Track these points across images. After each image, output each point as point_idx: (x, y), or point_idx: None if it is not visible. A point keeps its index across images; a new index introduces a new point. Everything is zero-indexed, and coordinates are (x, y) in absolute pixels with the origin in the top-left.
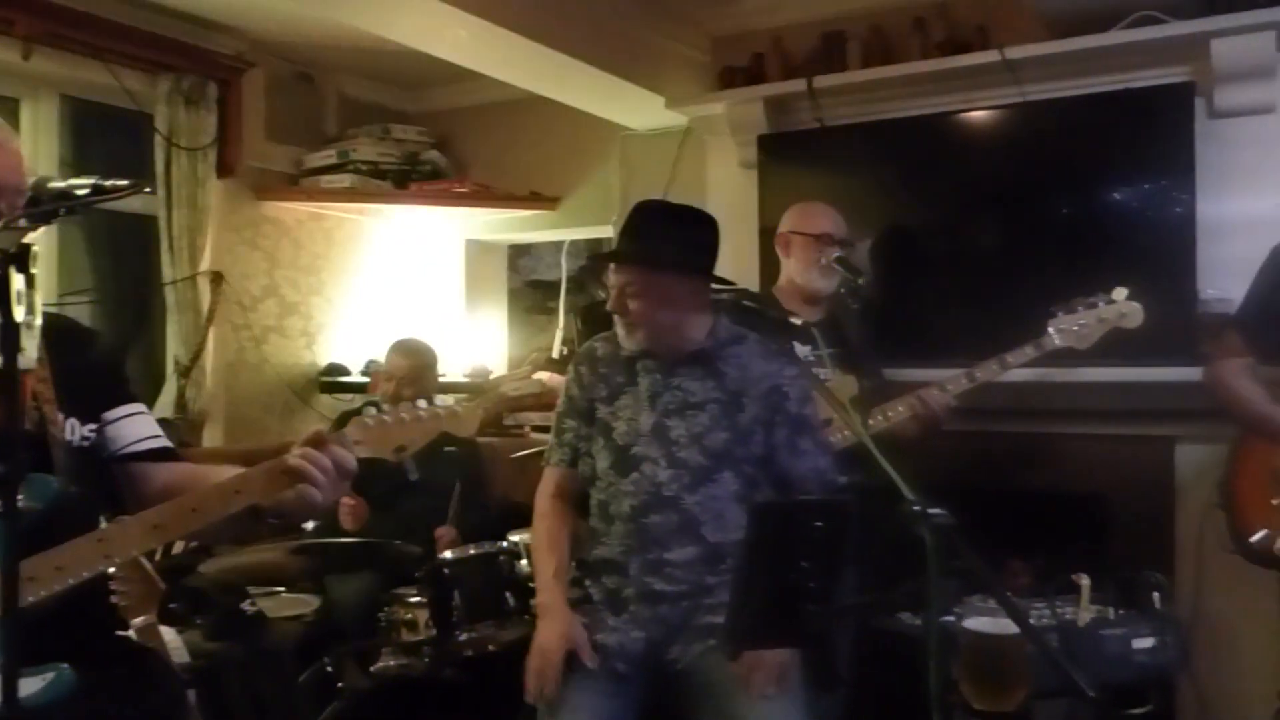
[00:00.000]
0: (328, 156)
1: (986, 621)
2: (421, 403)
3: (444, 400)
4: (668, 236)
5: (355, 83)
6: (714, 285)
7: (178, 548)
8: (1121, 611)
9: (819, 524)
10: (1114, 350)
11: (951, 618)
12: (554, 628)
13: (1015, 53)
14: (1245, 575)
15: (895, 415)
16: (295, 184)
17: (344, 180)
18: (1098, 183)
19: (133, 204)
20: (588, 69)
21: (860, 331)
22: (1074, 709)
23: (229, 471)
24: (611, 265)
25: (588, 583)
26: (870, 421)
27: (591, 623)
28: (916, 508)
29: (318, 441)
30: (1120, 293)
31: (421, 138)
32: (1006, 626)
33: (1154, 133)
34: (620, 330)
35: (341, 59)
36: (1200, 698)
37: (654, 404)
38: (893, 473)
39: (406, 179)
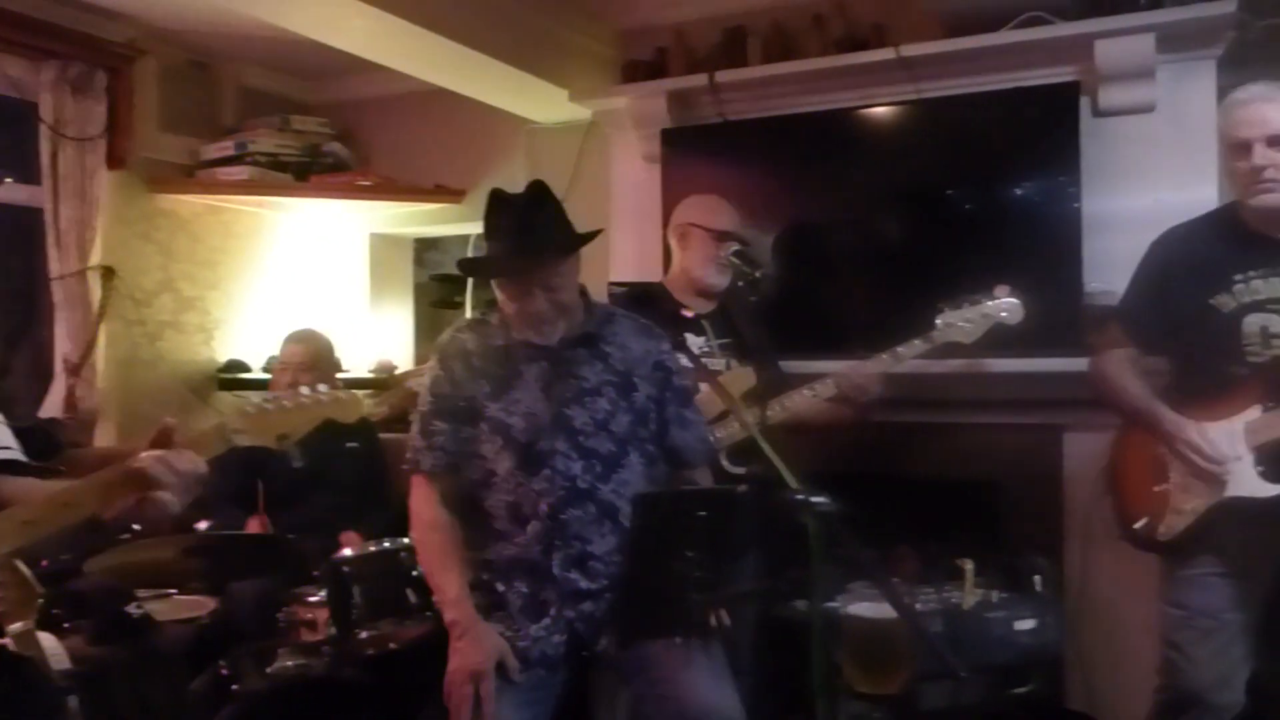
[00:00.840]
0: (225, 148)
1: (869, 607)
2: (304, 389)
3: (325, 387)
4: (549, 222)
5: (254, 72)
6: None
7: None
8: (1004, 595)
9: (703, 513)
10: (1004, 341)
11: (836, 604)
12: (477, 646)
13: (910, 50)
14: (1131, 560)
15: (795, 407)
16: (191, 176)
17: (242, 172)
18: (989, 179)
19: (16, 196)
20: (490, 61)
21: (756, 324)
22: (959, 690)
23: None
24: (509, 275)
25: (500, 586)
26: (769, 412)
27: (507, 630)
28: (800, 496)
29: (166, 440)
30: (1003, 290)
31: (323, 129)
32: (888, 611)
33: (1042, 131)
34: (530, 332)
35: (239, 47)
36: (1087, 679)
37: (549, 394)
38: (778, 462)
39: (308, 171)
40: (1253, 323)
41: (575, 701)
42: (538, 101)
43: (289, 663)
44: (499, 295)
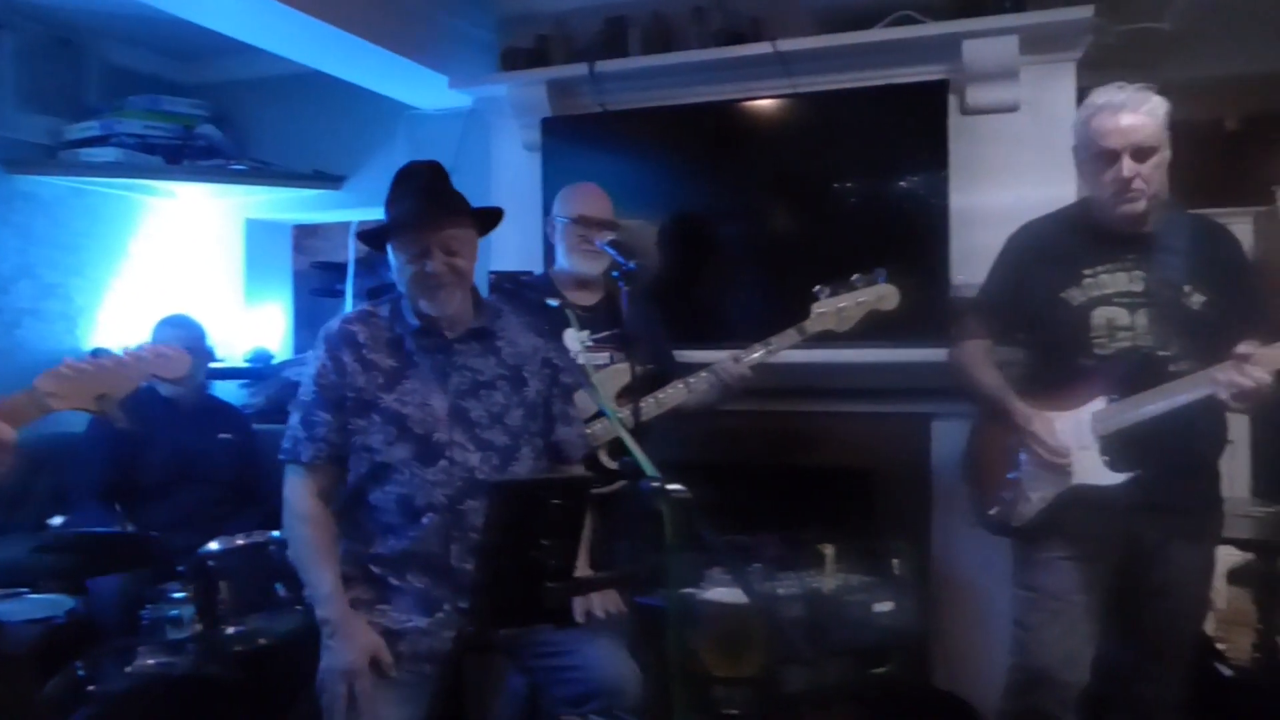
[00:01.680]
0: (89, 128)
1: (725, 592)
2: (121, 349)
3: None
4: (453, 190)
5: (122, 50)
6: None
7: None
8: (864, 579)
9: (558, 502)
10: (875, 332)
11: (692, 590)
12: (351, 644)
13: (786, 46)
14: (992, 545)
15: (670, 402)
16: (53, 157)
17: (108, 154)
18: (862, 173)
19: None
20: (367, 45)
21: (637, 315)
22: (819, 671)
23: None
24: (411, 232)
25: (392, 581)
26: (643, 405)
27: (390, 625)
28: (655, 484)
29: None
30: (879, 275)
31: (196, 111)
32: (743, 597)
33: (912, 127)
34: (429, 302)
35: (105, 24)
36: (949, 660)
37: (444, 385)
38: (637, 452)
39: (179, 154)
40: (1100, 316)
41: (454, 691)
42: (418, 87)
43: (150, 661)
44: (397, 260)
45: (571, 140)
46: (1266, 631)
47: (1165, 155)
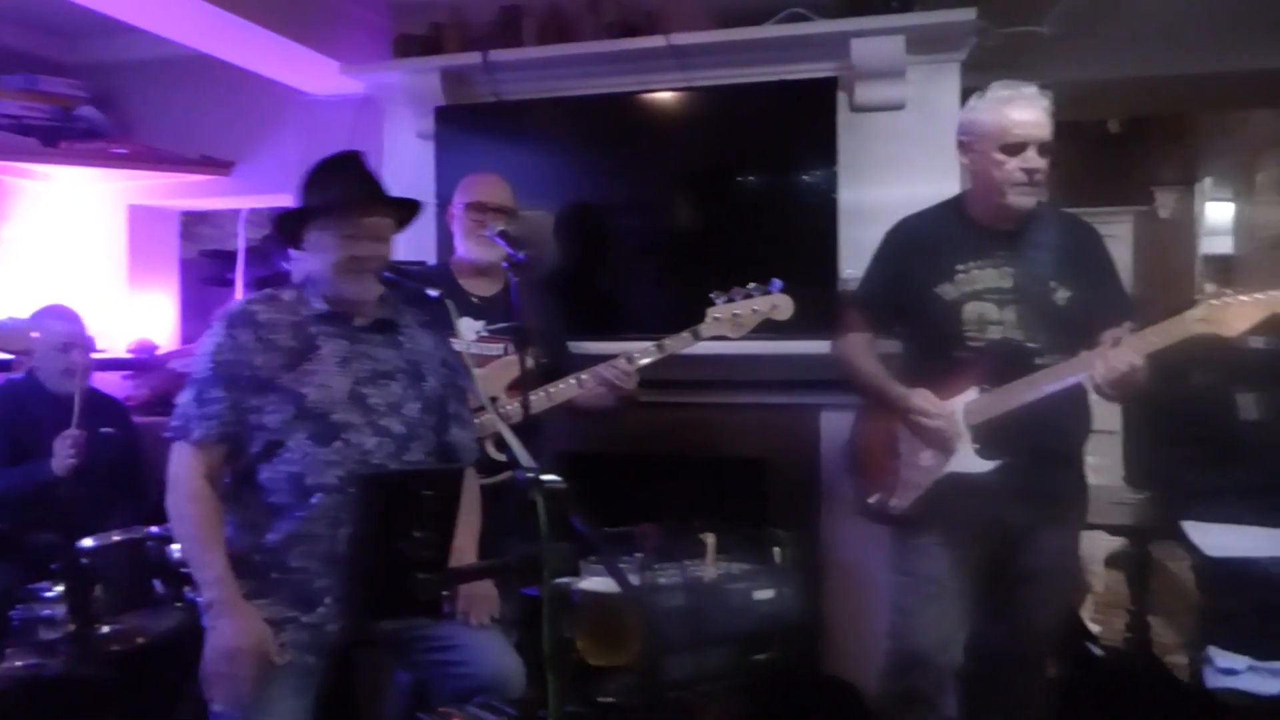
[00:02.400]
0: None
1: (600, 582)
2: None
3: None
4: (376, 176)
5: None
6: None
7: None
8: (746, 567)
9: (429, 493)
10: (766, 325)
11: (567, 580)
12: (238, 626)
13: (680, 39)
14: (878, 532)
15: (560, 397)
16: None
17: None
18: (755, 167)
19: None
20: (254, 28)
21: (530, 307)
22: (702, 658)
23: None
24: (346, 214)
25: (275, 569)
26: (533, 398)
27: (272, 616)
28: (529, 475)
29: None
30: (776, 285)
31: (76, 92)
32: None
33: (803, 123)
34: (351, 286)
35: None
36: (838, 645)
37: (345, 370)
38: (514, 443)
39: (57, 137)
40: (972, 310)
41: (342, 686)
42: (308, 72)
43: (19, 663)
44: (321, 241)
45: (465, 129)
46: (1138, 613)
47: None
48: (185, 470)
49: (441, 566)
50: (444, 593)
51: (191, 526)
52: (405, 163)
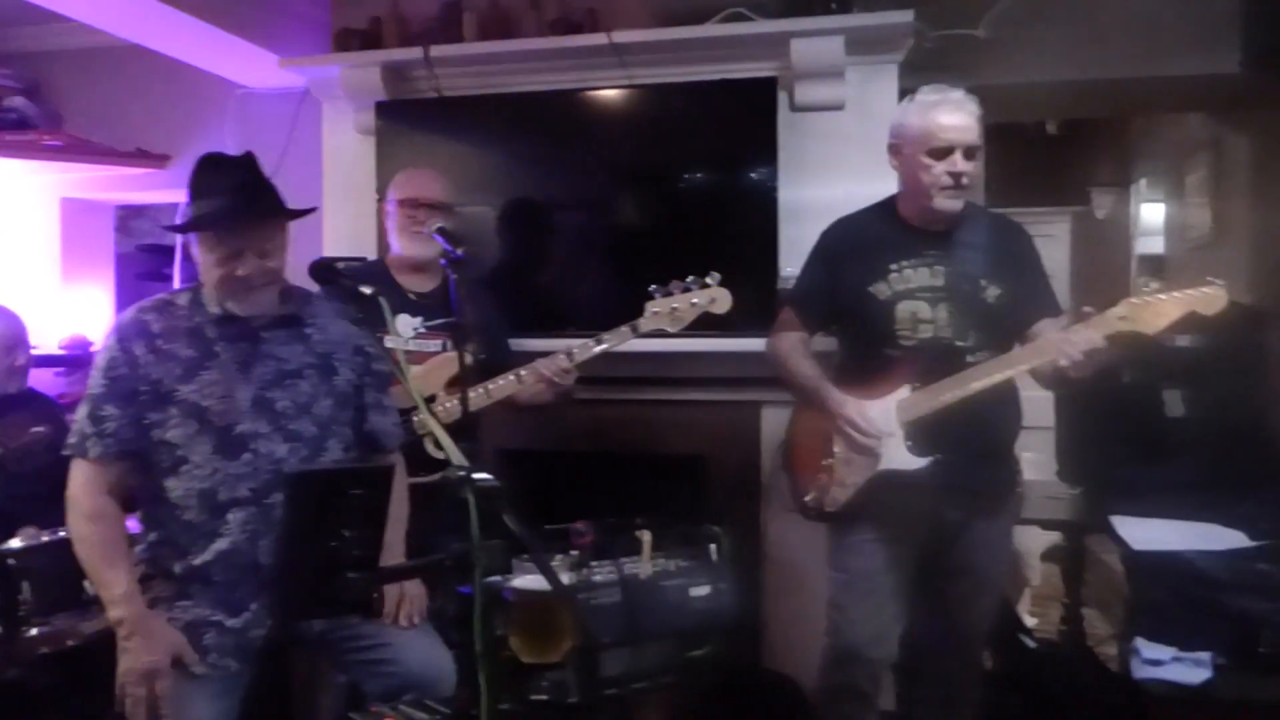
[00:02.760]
0: None
1: (533, 579)
2: None
3: None
4: (268, 187)
5: None
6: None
7: None
8: (682, 564)
9: (358, 491)
10: (708, 322)
11: (499, 578)
12: (149, 644)
13: (621, 37)
14: (818, 528)
15: (500, 393)
16: None
17: None
18: (696, 166)
19: None
20: (190, 20)
21: (469, 304)
22: (638, 655)
23: None
24: (222, 234)
25: (195, 581)
26: (472, 395)
27: (193, 620)
28: (461, 473)
29: None
30: (714, 278)
31: (7, 82)
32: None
33: (744, 122)
34: (239, 304)
35: None
36: (779, 640)
37: (248, 375)
38: (446, 441)
39: None
40: (905, 309)
41: (275, 688)
42: (246, 65)
43: None
44: (205, 259)
45: (406, 125)
46: (1072, 605)
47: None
48: (83, 489)
49: (373, 565)
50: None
51: (92, 546)
52: (345, 158)
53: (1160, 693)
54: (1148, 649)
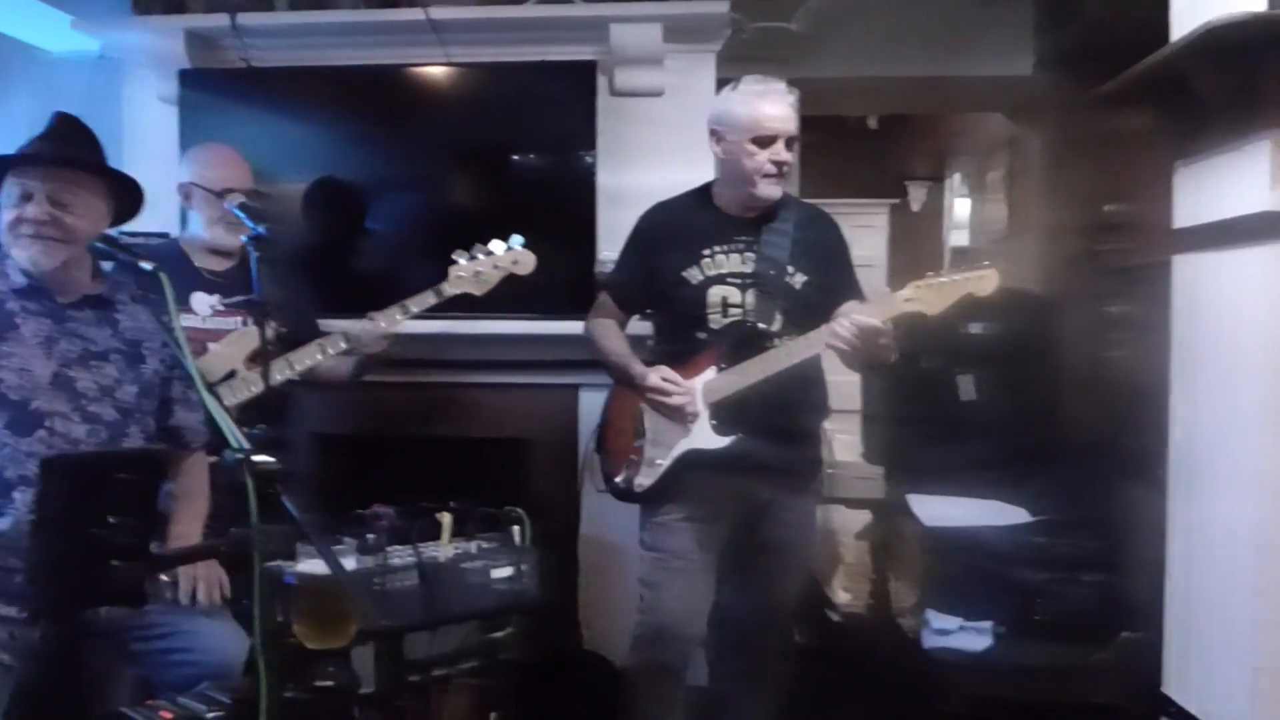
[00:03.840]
0: None
1: (318, 564)
2: None
3: None
4: (87, 140)
5: None
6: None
7: None
8: (484, 546)
9: (125, 476)
10: (524, 305)
11: (282, 563)
12: None
13: (439, 14)
14: (631, 509)
15: (302, 363)
16: None
17: None
18: (515, 148)
19: None
20: None
21: (271, 280)
22: (437, 639)
23: None
24: (16, 173)
25: None
26: (281, 374)
27: None
28: (240, 454)
29: None
30: (516, 240)
31: None
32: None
33: (564, 104)
34: (21, 252)
35: None
36: (594, 621)
37: (49, 351)
38: (226, 421)
39: None
40: (715, 294)
41: (61, 682)
42: (38, 26)
43: None
44: (5, 209)
45: (212, 95)
46: (879, 580)
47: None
48: None
49: (142, 552)
50: (151, 579)
51: None
52: (146, 127)
53: (947, 660)
54: (937, 619)
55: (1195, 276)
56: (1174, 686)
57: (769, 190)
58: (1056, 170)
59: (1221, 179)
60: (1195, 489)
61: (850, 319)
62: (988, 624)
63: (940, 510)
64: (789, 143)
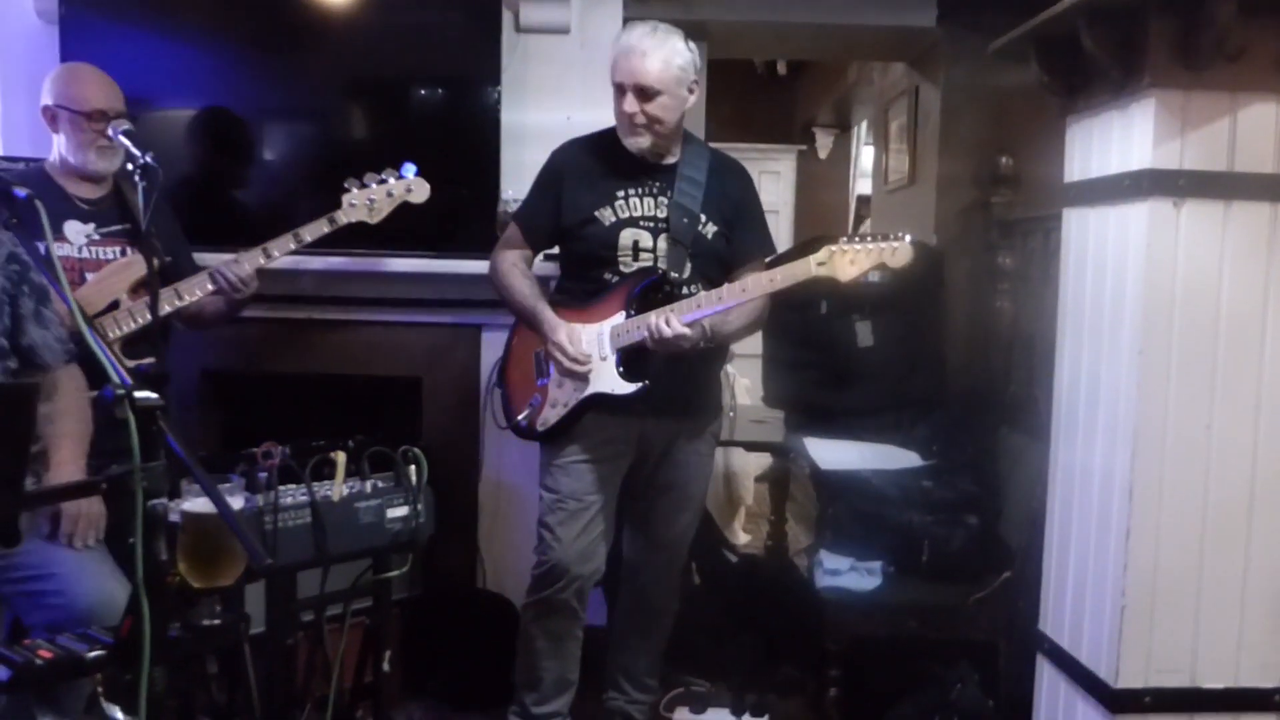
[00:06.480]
0: None
1: (201, 503)
2: None
3: None
4: None
5: None
6: None
7: None
8: (378, 485)
9: None
10: (426, 243)
11: (165, 501)
12: None
13: None
14: (533, 450)
15: (191, 294)
16: None
17: None
18: (417, 81)
19: None
20: None
21: (151, 208)
22: (330, 577)
23: None
24: None
25: None
26: (168, 305)
27: None
28: (120, 391)
29: None
30: (409, 169)
31: None
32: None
33: (467, 38)
34: None
35: None
36: (495, 561)
37: None
38: (104, 355)
39: None
40: (627, 236)
41: None
42: None
43: None
44: None
45: (96, 14)
46: (777, 522)
47: (680, 97)
48: None
49: (13, 489)
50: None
51: None
52: (23, 47)
53: (837, 599)
54: (829, 560)
55: (1083, 230)
56: (1050, 624)
57: (631, 140)
58: (953, 122)
59: (1109, 136)
60: (1075, 437)
61: (668, 320)
62: (877, 564)
63: (834, 454)
64: (644, 94)
